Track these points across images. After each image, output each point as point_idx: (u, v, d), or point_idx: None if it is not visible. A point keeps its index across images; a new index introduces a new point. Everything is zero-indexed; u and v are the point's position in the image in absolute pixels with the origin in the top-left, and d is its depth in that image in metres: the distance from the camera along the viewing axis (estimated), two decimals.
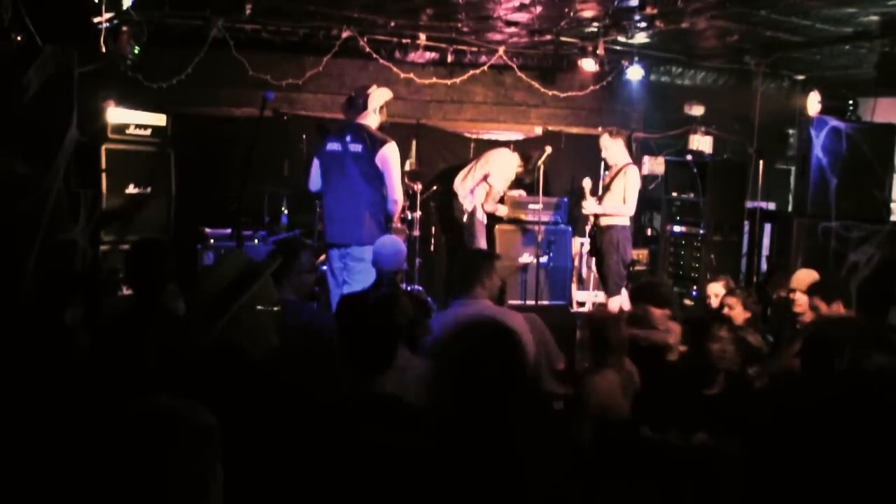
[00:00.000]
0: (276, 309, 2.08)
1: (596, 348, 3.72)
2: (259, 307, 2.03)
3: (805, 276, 5.05)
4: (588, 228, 7.48)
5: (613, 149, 7.23)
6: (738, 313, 5.02)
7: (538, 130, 8.89)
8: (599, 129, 9.02)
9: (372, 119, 5.74)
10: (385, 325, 2.98)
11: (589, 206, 7.22)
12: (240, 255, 2.03)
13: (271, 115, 7.02)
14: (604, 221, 7.16)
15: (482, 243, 7.69)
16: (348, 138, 5.63)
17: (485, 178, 7.85)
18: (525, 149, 8.09)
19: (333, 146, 5.67)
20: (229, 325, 1.99)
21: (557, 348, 4.17)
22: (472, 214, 7.82)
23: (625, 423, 3.54)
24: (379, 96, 5.79)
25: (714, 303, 5.33)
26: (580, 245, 8.23)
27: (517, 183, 8.20)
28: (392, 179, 5.57)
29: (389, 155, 5.56)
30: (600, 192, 7.37)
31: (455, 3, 6.44)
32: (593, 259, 7.66)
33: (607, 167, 7.63)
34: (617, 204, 7.09)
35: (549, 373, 4.07)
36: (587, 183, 7.32)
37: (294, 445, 2.21)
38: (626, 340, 3.83)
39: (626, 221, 7.17)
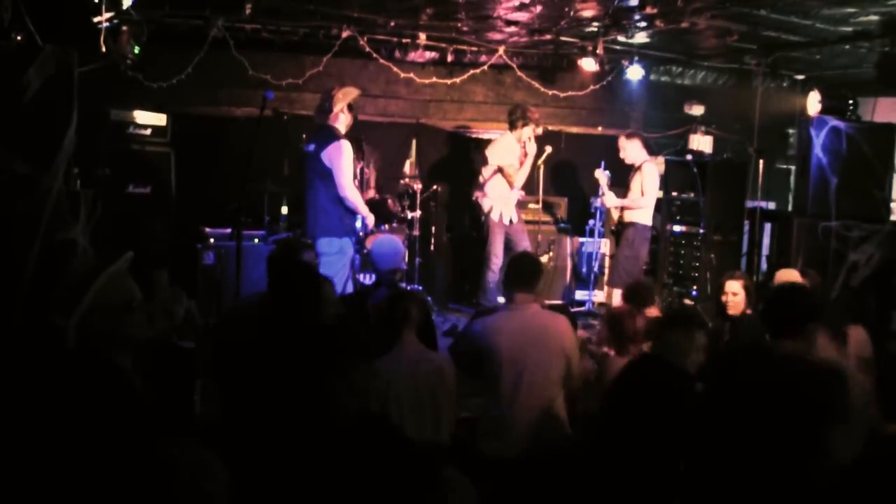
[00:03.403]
0: (133, 306, 1.96)
1: (615, 339, 4.32)
2: (110, 306, 1.88)
3: (786, 276, 5.04)
4: (612, 227, 7.88)
5: (630, 149, 7.50)
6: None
7: (538, 130, 8.87)
8: (600, 128, 9.07)
9: (341, 119, 6.03)
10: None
11: (609, 199, 7.52)
12: (89, 257, 1.95)
13: (271, 114, 7.02)
14: (627, 217, 7.49)
15: (497, 243, 7.44)
16: (311, 138, 6.11)
17: (485, 167, 7.67)
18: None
19: (304, 147, 6.19)
20: (84, 331, 1.84)
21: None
22: (487, 215, 7.59)
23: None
24: (343, 97, 6.02)
25: (732, 301, 5.04)
26: (579, 244, 8.22)
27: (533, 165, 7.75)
28: (338, 176, 5.86)
29: (334, 152, 5.84)
30: (605, 190, 7.58)
31: (455, 2, 6.43)
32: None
33: (607, 166, 7.65)
34: (636, 197, 7.43)
35: None
36: (602, 175, 7.48)
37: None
38: (642, 331, 4.26)
39: (647, 221, 7.45)
